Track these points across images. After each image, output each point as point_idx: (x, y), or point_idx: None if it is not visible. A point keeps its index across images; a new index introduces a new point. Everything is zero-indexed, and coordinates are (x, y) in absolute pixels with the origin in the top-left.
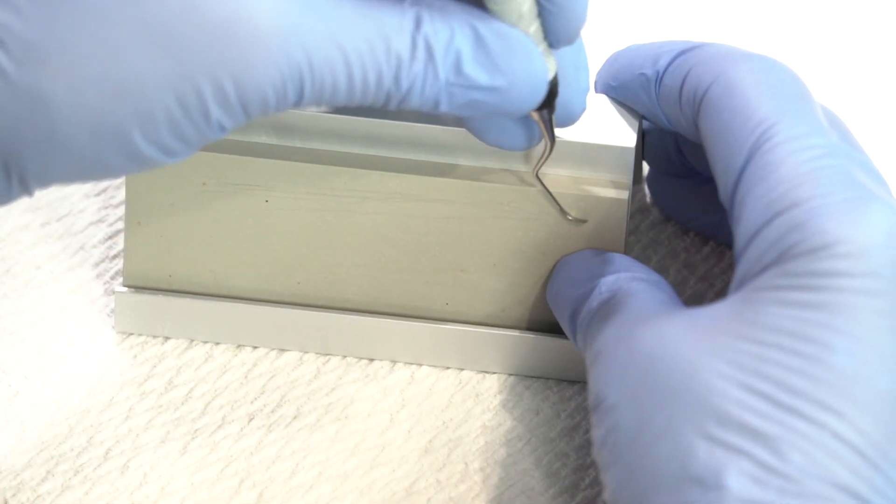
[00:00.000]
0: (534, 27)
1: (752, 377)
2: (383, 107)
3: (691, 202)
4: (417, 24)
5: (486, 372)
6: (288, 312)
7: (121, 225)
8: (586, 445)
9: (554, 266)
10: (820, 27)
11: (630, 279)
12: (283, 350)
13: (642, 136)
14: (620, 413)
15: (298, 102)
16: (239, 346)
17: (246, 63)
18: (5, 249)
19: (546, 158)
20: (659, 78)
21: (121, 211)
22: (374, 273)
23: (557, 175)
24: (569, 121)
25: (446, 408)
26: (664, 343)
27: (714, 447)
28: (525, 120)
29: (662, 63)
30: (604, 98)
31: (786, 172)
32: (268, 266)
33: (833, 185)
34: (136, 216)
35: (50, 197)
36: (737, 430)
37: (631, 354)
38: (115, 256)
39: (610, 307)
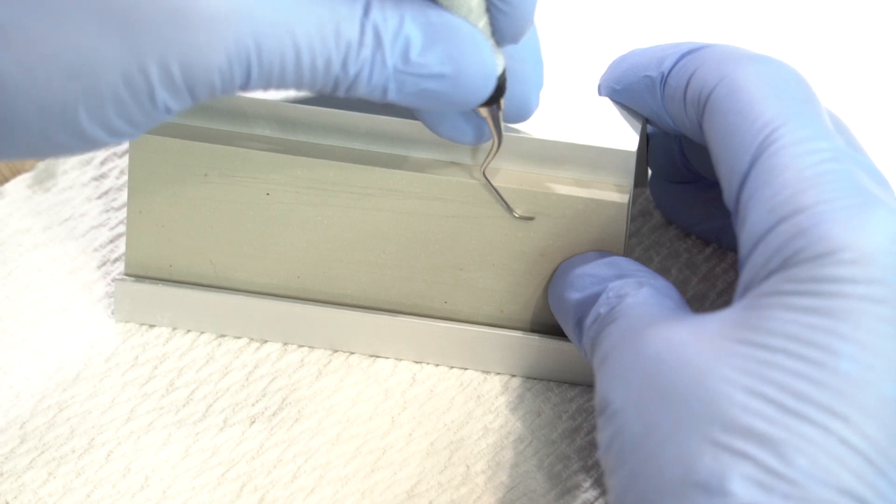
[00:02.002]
0: (482, 23)
1: (757, 382)
2: (332, 93)
3: (694, 208)
4: (366, 10)
5: (488, 372)
6: (287, 306)
7: (122, 228)
8: (588, 447)
9: (555, 269)
10: (824, 28)
11: (637, 284)
12: (284, 351)
13: (646, 140)
14: (626, 417)
15: (245, 86)
16: (240, 348)
17: (194, 47)
18: (7, 252)
19: (494, 155)
20: (664, 80)
21: (122, 214)
22: (373, 269)
23: (558, 176)
24: (523, 116)
25: (448, 410)
26: (670, 348)
27: (719, 452)
28: (475, 114)
29: (667, 65)
30: (607, 101)
31: (790, 176)
32: (267, 259)
33: (838, 191)
34: (137, 205)
35: (52, 201)
36: (742, 435)
37: (637, 359)
38: (116, 259)
39: (617, 312)
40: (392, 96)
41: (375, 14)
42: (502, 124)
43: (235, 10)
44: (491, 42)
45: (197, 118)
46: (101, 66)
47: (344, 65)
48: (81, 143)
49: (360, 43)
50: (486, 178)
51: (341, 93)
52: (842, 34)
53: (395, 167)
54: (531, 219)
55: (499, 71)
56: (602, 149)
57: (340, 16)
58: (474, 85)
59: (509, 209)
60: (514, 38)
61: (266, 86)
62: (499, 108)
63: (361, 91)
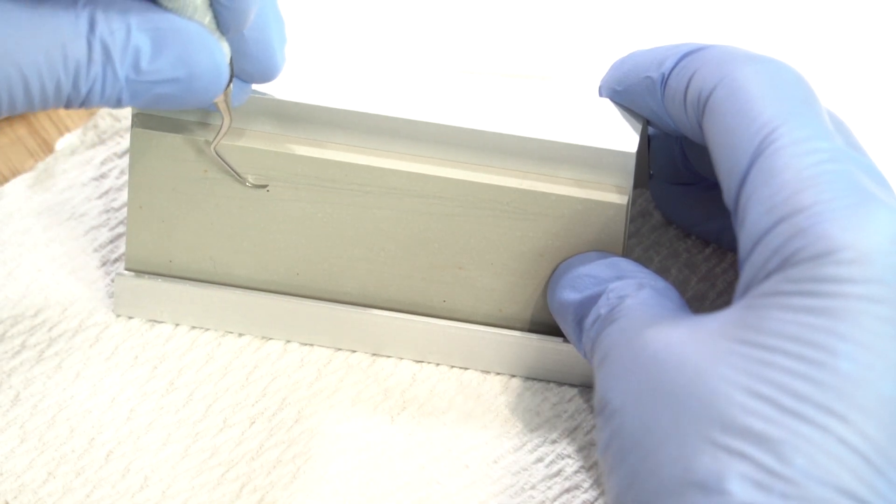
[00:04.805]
0: (208, 18)
1: (756, 382)
2: (66, 108)
3: (694, 209)
4: (92, 25)
5: (488, 372)
6: (286, 302)
7: (122, 229)
8: (587, 447)
9: (554, 269)
10: (824, 28)
11: (637, 286)
12: (284, 351)
13: (647, 141)
14: (625, 417)
15: None
16: (240, 347)
17: None
18: (7, 253)
19: (224, 133)
20: (664, 81)
21: (122, 214)
22: (372, 267)
23: (558, 177)
24: (270, 76)
25: (447, 409)
26: (670, 348)
27: (717, 452)
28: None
29: (667, 66)
30: (608, 102)
31: (789, 177)
32: (267, 255)
33: (836, 190)
34: (138, 200)
35: (52, 201)
36: (740, 435)
37: (637, 359)
38: (116, 260)
39: (618, 313)
40: (126, 104)
41: (101, 28)
42: (230, 105)
43: None
44: (217, 34)
45: (197, 115)
46: None
47: (75, 84)
48: None
49: (90, 60)
50: (217, 153)
51: (75, 107)
52: (842, 34)
53: (395, 165)
54: (264, 187)
55: (227, 62)
56: (602, 150)
57: (66, 37)
58: (207, 83)
59: (241, 179)
60: (239, 29)
61: None
62: (227, 92)
63: (95, 104)
